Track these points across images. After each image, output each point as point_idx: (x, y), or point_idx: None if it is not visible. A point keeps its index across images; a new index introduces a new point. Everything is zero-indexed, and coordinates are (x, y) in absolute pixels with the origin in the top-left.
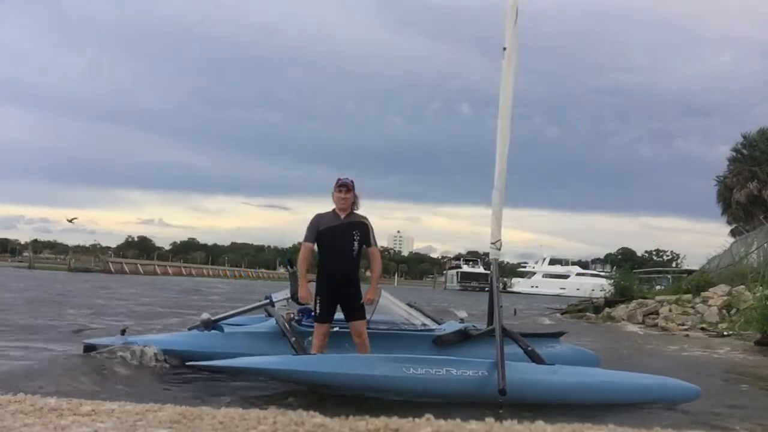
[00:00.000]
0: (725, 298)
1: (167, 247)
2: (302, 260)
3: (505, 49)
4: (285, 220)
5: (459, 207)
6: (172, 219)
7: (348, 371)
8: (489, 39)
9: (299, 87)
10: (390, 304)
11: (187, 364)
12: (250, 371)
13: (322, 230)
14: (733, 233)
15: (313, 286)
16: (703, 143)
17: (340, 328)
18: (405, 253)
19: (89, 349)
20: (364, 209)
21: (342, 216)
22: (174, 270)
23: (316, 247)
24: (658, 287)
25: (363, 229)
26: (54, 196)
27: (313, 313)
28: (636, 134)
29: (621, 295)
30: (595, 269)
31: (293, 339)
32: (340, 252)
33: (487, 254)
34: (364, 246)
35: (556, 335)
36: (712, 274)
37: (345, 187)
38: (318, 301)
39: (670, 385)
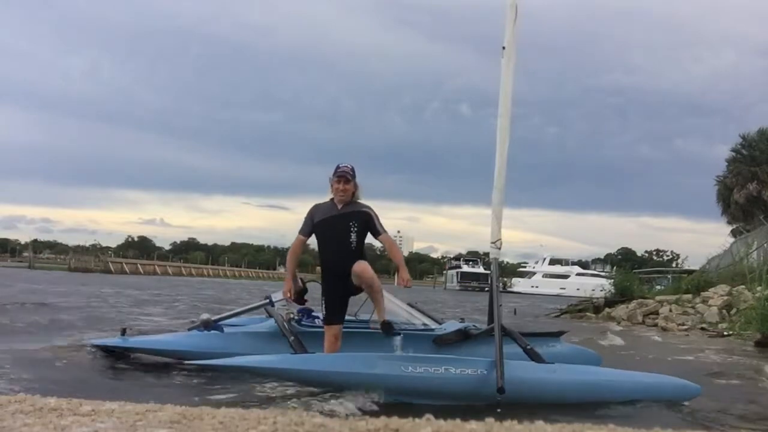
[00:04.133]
0: (725, 298)
1: (167, 247)
2: (290, 253)
3: (504, 48)
4: (285, 220)
5: (459, 207)
6: (172, 219)
7: (347, 369)
8: (488, 39)
9: (299, 87)
10: (390, 304)
11: (186, 363)
12: (249, 370)
13: (317, 222)
14: (733, 233)
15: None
16: (703, 143)
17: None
18: (405, 253)
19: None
20: None
21: (339, 206)
22: (174, 270)
23: (315, 240)
24: (658, 287)
25: (362, 218)
26: (54, 196)
27: (320, 315)
28: (636, 134)
29: (621, 295)
30: (595, 269)
31: (292, 338)
32: (335, 245)
33: (487, 254)
34: (372, 236)
35: (556, 334)
36: (712, 274)
37: (344, 179)
38: (323, 302)
39: (670, 383)
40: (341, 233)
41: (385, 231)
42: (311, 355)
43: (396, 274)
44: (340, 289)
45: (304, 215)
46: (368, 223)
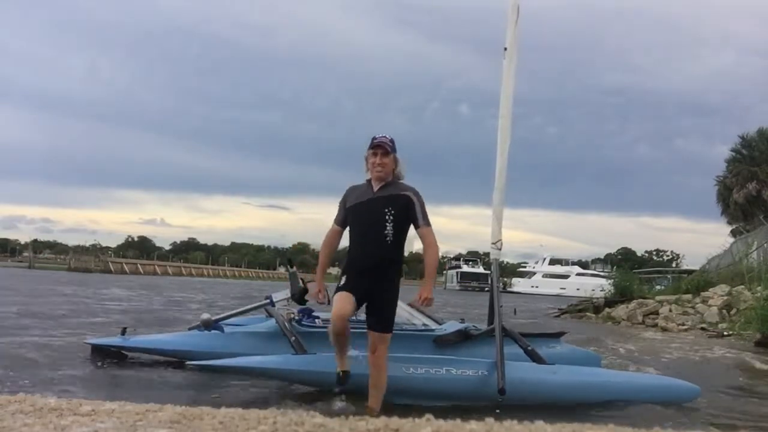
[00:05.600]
0: (725, 298)
1: (167, 247)
2: (322, 246)
3: (506, 49)
4: (285, 220)
5: (459, 207)
6: (173, 219)
7: None
8: (489, 39)
9: (298, 87)
10: None
11: (186, 363)
12: (250, 371)
13: (349, 207)
14: (733, 233)
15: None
16: (703, 143)
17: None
18: (405, 253)
19: (92, 349)
20: None
21: (376, 187)
22: (174, 270)
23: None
24: (658, 287)
25: (403, 203)
26: (54, 196)
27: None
28: (636, 134)
29: (621, 295)
30: (595, 269)
31: (293, 338)
32: (366, 236)
33: (487, 254)
34: (413, 226)
35: (556, 335)
36: (712, 274)
37: (381, 149)
38: (344, 277)
39: (670, 384)
40: (375, 221)
41: (428, 224)
42: (312, 356)
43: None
44: (362, 286)
45: (305, 217)
46: (408, 209)
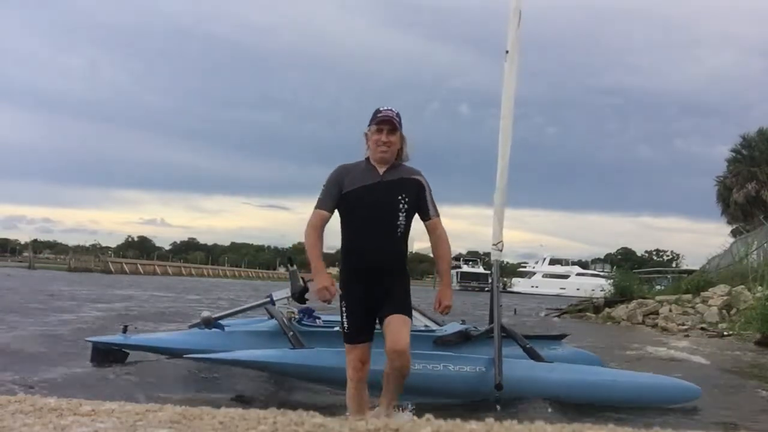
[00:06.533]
0: (725, 298)
1: (167, 247)
2: (310, 237)
3: (507, 52)
4: (285, 220)
5: (459, 207)
6: (173, 219)
7: (345, 365)
8: (488, 39)
9: (298, 87)
10: None
11: (184, 356)
12: (247, 364)
13: (348, 192)
14: (733, 233)
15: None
16: (703, 143)
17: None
18: None
19: (93, 347)
20: None
21: (381, 170)
22: (174, 270)
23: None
24: (658, 287)
25: (415, 189)
26: (54, 196)
27: (340, 328)
28: (636, 134)
29: (621, 295)
30: (595, 269)
31: (291, 333)
32: (376, 228)
33: (487, 254)
34: (418, 217)
35: (558, 337)
36: (712, 274)
37: (388, 124)
38: (343, 310)
39: (670, 384)
40: (387, 211)
41: (438, 214)
42: (310, 350)
43: (435, 282)
44: (370, 293)
45: (305, 217)
46: (419, 197)
